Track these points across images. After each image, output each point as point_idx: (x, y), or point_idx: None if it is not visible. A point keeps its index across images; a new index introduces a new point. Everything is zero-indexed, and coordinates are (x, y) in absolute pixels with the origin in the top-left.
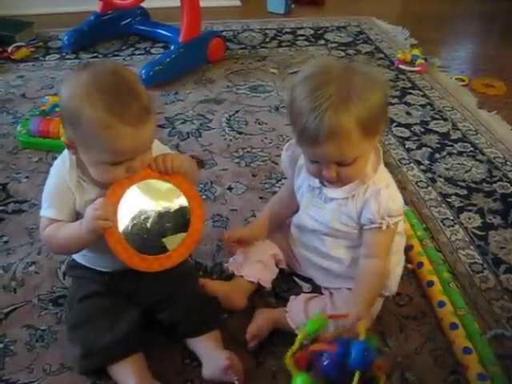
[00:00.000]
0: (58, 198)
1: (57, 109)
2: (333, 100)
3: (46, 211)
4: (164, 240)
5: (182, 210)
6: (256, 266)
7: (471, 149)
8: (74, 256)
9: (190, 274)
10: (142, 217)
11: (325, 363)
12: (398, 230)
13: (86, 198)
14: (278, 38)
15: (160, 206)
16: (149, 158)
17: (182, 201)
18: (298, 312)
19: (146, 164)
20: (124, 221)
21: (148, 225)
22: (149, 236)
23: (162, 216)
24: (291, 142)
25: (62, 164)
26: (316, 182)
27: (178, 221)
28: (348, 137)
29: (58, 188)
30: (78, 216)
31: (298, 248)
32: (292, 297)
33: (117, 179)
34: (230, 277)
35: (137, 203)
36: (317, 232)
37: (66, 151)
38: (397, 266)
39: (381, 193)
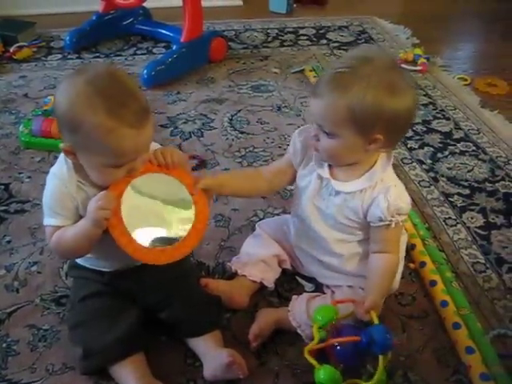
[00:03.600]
0: (60, 204)
1: None
2: (350, 72)
3: (51, 220)
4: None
5: (184, 202)
6: (259, 266)
7: (474, 148)
8: None
9: (192, 274)
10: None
11: (343, 353)
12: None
13: (88, 200)
14: (280, 37)
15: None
16: (148, 157)
17: (183, 194)
18: (301, 311)
19: (145, 162)
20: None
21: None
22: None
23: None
24: (304, 128)
25: (60, 170)
26: (325, 173)
27: (182, 214)
28: (334, 108)
29: (59, 194)
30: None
31: (300, 243)
32: (294, 296)
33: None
34: (232, 276)
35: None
36: (320, 223)
37: (61, 157)
38: (399, 264)
39: (390, 190)
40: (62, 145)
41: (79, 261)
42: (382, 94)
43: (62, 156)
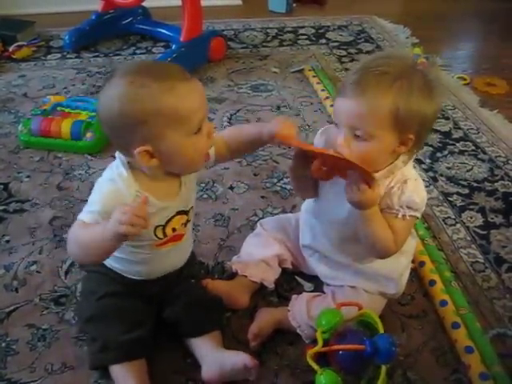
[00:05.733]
0: (107, 207)
1: (58, 108)
2: (385, 71)
3: (87, 215)
4: None
5: None
6: (260, 266)
7: (473, 148)
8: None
9: (197, 274)
10: None
11: (346, 360)
12: (412, 230)
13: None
14: (280, 37)
15: None
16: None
17: None
18: (301, 311)
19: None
20: None
21: None
22: None
23: None
24: (326, 127)
25: (119, 177)
26: None
27: None
28: (375, 108)
29: (112, 197)
30: None
31: (311, 240)
32: (294, 296)
33: (204, 149)
34: (231, 276)
35: None
36: (335, 219)
37: (116, 164)
38: (406, 268)
39: (407, 183)
40: (137, 150)
41: (109, 264)
42: (422, 94)
43: (117, 163)
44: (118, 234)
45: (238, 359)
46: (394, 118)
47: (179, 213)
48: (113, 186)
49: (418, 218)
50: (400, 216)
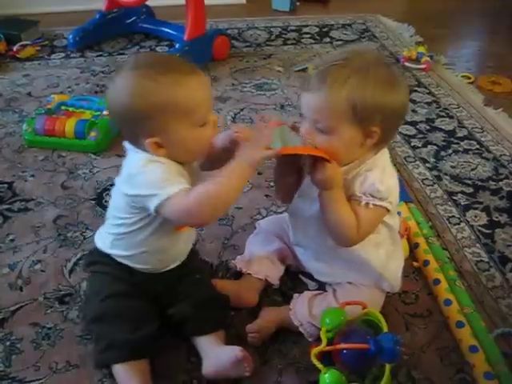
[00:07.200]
0: (176, 174)
1: (62, 107)
2: (345, 65)
3: (174, 187)
4: None
5: None
6: (263, 263)
7: (477, 146)
8: (115, 252)
9: (203, 271)
10: None
11: (350, 359)
12: (389, 223)
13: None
14: (283, 35)
15: None
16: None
17: None
18: (302, 309)
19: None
20: None
21: None
22: None
23: None
24: None
25: (148, 155)
26: None
27: None
28: (333, 101)
29: (168, 168)
30: None
31: (293, 237)
32: (295, 295)
33: (210, 140)
34: (235, 275)
35: None
36: (315, 216)
37: (133, 157)
38: (387, 263)
39: (373, 170)
40: (147, 141)
41: (121, 254)
42: (380, 87)
43: (134, 155)
44: (261, 159)
45: (232, 352)
46: (351, 110)
47: None
48: (159, 162)
49: (387, 209)
50: (363, 203)
